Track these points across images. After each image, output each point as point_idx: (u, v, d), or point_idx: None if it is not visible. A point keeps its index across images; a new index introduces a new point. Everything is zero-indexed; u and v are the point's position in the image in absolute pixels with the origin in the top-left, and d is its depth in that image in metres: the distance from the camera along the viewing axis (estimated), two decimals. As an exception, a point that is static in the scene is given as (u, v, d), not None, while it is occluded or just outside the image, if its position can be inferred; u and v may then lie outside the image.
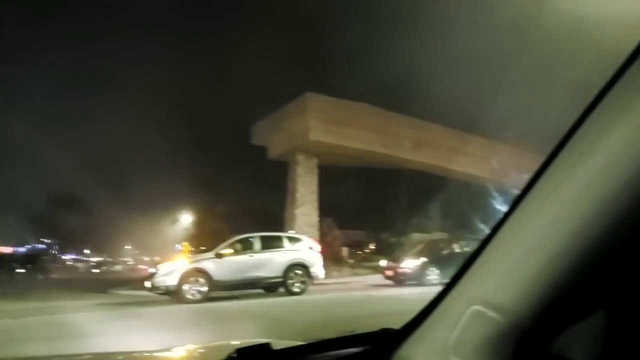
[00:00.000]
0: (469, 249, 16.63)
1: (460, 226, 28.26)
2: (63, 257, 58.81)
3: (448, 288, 1.02)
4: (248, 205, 36.45)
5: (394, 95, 27.47)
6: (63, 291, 17.25)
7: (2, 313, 9.96)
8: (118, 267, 56.43)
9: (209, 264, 12.04)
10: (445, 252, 16.60)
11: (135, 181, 51.68)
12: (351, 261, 27.19)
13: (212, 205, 34.39)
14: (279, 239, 13.69)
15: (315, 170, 25.17)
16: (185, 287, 11.54)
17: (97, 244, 60.82)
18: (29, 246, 51.14)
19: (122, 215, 41.31)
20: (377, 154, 25.13)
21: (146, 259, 66.37)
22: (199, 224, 34.25)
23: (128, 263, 64.03)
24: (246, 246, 12.83)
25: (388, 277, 16.65)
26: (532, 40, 16.29)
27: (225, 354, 1.20)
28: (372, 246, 31.63)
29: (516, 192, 0.88)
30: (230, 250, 12.45)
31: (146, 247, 62.40)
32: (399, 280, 15.97)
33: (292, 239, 13.90)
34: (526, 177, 0.86)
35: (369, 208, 33.54)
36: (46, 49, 61.66)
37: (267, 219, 33.63)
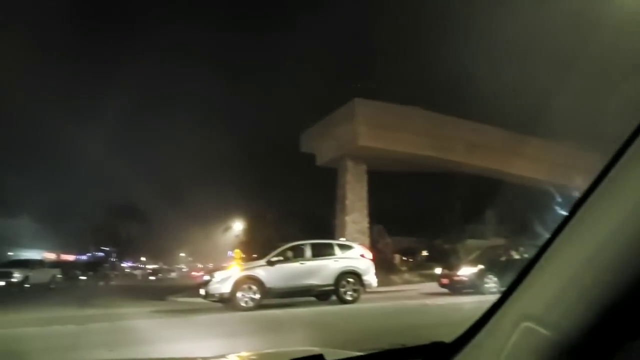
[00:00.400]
0: (528, 255, 15.92)
1: (517, 232, 27.22)
2: (122, 264, 61.02)
3: (500, 301, 1.01)
4: (297, 213, 36.60)
5: (446, 98, 26.89)
6: (122, 298, 17.75)
7: (67, 319, 10.31)
8: (173, 274, 58.07)
9: (261, 271, 12.03)
10: (503, 258, 15.97)
11: (189, 191, 52.98)
12: (403, 269, 26.65)
13: (263, 213, 34.83)
14: (331, 246, 13.52)
15: (365, 177, 24.90)
16: (239, 294, 11.56)
17: (154, 251, 62.86)
18: (90, 254, 53.31)
19: (177, 224, 42.50)
20: (429, 158, 24.56)
21: (199, 265, 68.12)
22: (249, 232, 34.74)
23: (182, 270, 65.82)
24: (297, 254, 12.72)
25: (443, 285, 16.16)
26: (594, 37, 15.47)
27: None
28: (424, 253, 30.96)
29: (576, 195, 0.82)
30: (282, 258, 12.40)
31: (199, 254, 64.10)
32: (455, 288, 15.45)
33: (344, 247, 13.72)
34: (587, 179, 0.81)
35: (421, 214, 32.91)
36: (115, 71, 64.62)
37: (317, 226, 33.60)
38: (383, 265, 24.28)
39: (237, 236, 35.48)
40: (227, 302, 11.78)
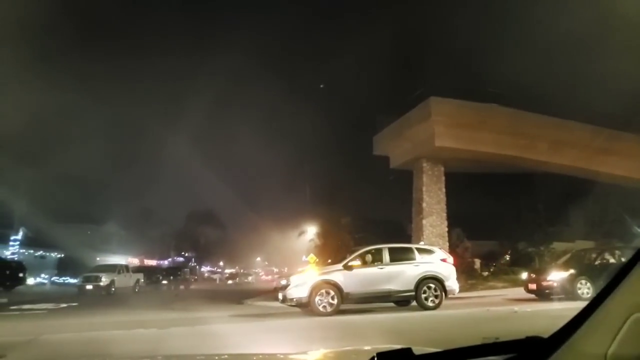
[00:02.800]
0: (625, 258, 14.50)
1: (608, 233, 25.22)
2: (201, 269, 63.20)
3: (601, 297, 1.01)
4: (372, 217, 36.04)
5: (528, 94, 25.39)
6: (202, 302, 18.09)
7: (150, 322, 10.49)
8: (250, 278, 59.31)
9: (339, 276, 11.70)
10: (597, 262, 14.69)
11: (265, 196, 54.14)
12: (485, 274, 25.36)
13: (337, 218, 34.58)
14: (410, 250, 12.99)
15: (442, 178, 23.95)
16: (317, 299, 11.32)
17: (231, 256, 64.63)
18: (171, 259, 55.67)
19: (253, 229, 43.26)
20: (510, 158, 23.24)
21: (275, 270, 69.24)
22: (324, 236, 34.59)
23: (259, 274, 67.20)
24: (375, 258, 12.29)
25: (531, 291, 15.17)
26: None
27: (362, 358, 1.24)
28: (507, 257, 29.34)
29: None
30: (359, 262, 12.02)
31: (275, 259, 65.19)
32: (544, 294, 14.47)
33: (423, 251, 13.13)
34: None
35: (502, 216, 31.21)
36: (195, 82, 67.77)
37: (392, 230, 32.92)
38: (463, 270, 23.24)
39: (311, 240, 35.44)
40: (304, 306, 11.59)
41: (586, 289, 13.51)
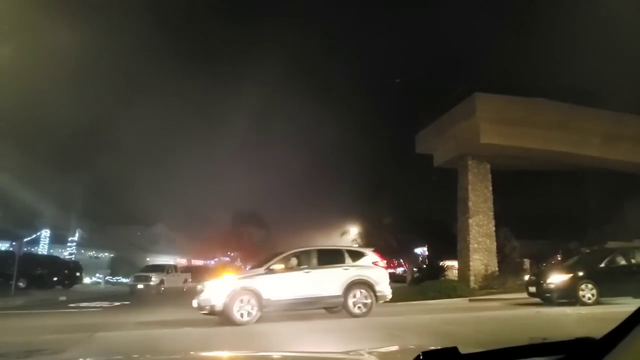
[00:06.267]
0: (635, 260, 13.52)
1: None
2: (246, 268, 64.03)
3: None
4: (415, 217, 35.58)
5: (579, 87, 24.48)
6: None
7: (199, 322, 10.73)
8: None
9: (259, 281, 10.71)
10: (604, 265, 13.48)
11: (308, 196, 54.33)
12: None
13: (379, 218, 34.41)
14: (339, 253, 12.09)
15: (489, 176, 23.29)
16: (234, 307, 10.29)
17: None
18: (217, 259, 56.71)
19: (296, 229, 43.41)
20: (559, 154, 22.35)
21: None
22: (366, 236, 34.49)
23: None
24: (302, 261, 11.41)
25: (531, 294, 14.31)
26: None
27: (406, 357, 1.22)
28: (558, 257, 28.31)
29: None
30: (283, 266, 11.10)
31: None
32: (544, 297, 13.70)
33: (354, 253, 12.19)
34: None
35: (552, 215, 30.24)
36: (238, 87, 69.08)
37: (437, 230, 32.42)
38: (510, 271, 22.62)
39: (353, 241, 35.42)
40: (220, 315, 10.52)
41: (590, 293, 12.62)
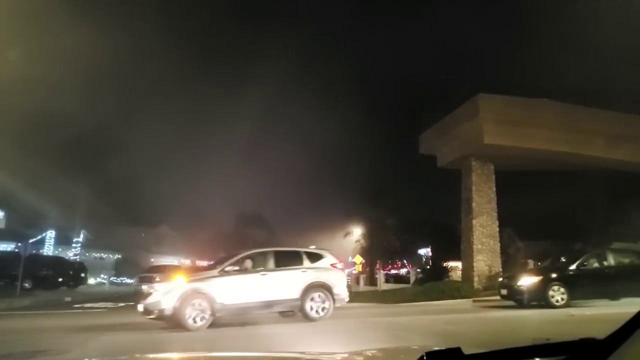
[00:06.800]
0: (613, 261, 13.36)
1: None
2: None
3: None
4: (419, 217, 35.59)
5: (583, 88, 24.44)
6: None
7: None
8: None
9: (212, 284, 10.13)
10: (576, 267, 13.19)
11: (311, 197, 54.48)
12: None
13: (383, 218, 34.41)
14: (297, 254, 11.62)
15: (492, 177, 23.28)
16: (185, 311, 9.65)
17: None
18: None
19: (300, 230, 43.55)
20: (563, 154, 22.32)
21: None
22: (369, 237, 34.51)
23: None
24: (258, 263, 10.91)
25: (502, 296, 14.15)
26: None
27: (410, 358, 1.23)
28: (562, 259, 28.24)
29: None
30: (238, 268, 10.56)
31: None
32: (515, 299, 13.51)
33: (312, 255, 11.74)
34: None
35: (557, 216, 30.15)
36: (243, 92, 69.33)
37: (440, 231, 32.42)
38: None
39: (357, 241, 35.44)
40: (168, 320, 9.88)
41: (560, 296, 12.46)
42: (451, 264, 26.99)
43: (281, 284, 10.73)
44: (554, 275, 13.16)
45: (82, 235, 57.04)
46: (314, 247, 14.60)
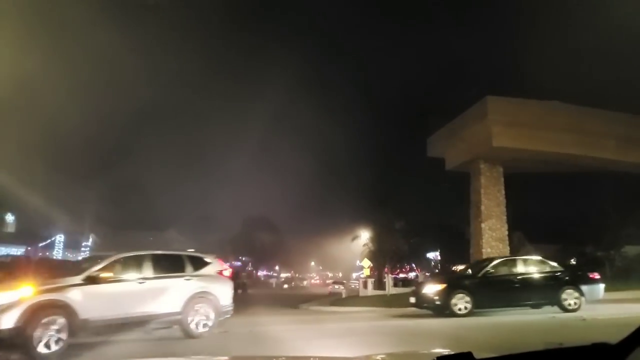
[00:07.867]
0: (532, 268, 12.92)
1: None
2: (257, 273, 64.26)
3: None
4: (428, 221, 35.40)
5: (592, 89, 24.22)
6: (260, 306, 18.34)
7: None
8: (305, 283, 59.73)
9: (74, 293, 7.84)
10: (484, 274, 12.55)
11: (319, 200, 54.44)
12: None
13: (391, 222, 34.25)
14: (179, 259, 9.78)
15: (501, 180, 23.11)
16: (35, 332, 7.18)
17: (286, 260, 65.37)
18: (228, 263, 56.97)
19: (308, 234, 43.57)
20: (573, 157, 22.14)
21: (329, 274, 69.17)
22: (377, 241, 34.34)
23: (314, 278, 67.56)
24: (133, 268, 8.89)
25: (412, 304, 13.38)
26: None
27: None
28: (572, 262, 27.97)
29: None
30: (109, 274, 8.42)
31: (329, 263, 65.34)
32: (423, 307, 12.81)
33: (197, 261, 9.94)
34: None
35: (567, 219, 29.85)
36: (252, 93, 69.73)
37: (449, 233, 32.22)
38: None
39: (365, 245, 35.29)
40: (8, 343, 7.20)
41: (464, 304, 11.85)
42: (460, 267, 26.75)
43: (161, 294, 8.89)
44: (457, 283, 12.71)
45: (90, 239, 57.40)
46: (192, 250, 12.11)
